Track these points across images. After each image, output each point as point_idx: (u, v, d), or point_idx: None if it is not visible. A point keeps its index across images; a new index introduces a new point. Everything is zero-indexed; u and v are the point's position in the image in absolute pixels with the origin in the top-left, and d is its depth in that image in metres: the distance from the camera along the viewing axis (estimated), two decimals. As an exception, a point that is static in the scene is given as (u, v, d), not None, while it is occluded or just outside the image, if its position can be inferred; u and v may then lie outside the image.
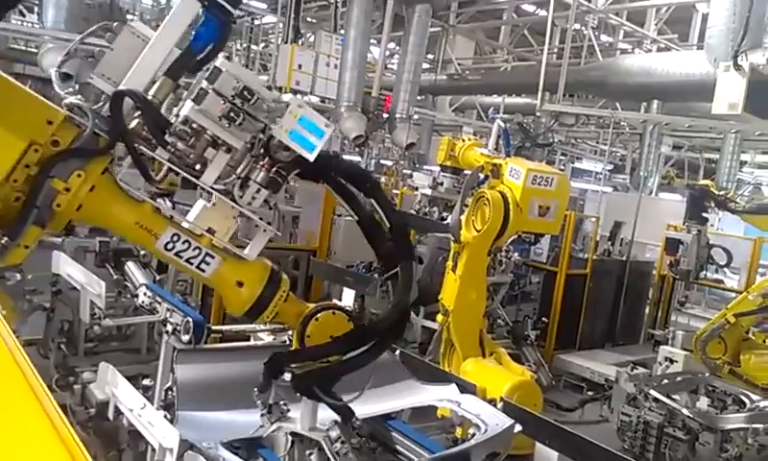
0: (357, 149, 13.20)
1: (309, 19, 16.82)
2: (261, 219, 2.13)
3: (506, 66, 17.08)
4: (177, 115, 2.04)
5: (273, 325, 4.26)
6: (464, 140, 6.92)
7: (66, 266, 4.59)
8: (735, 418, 5.81)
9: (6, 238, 1.83)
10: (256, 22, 15.39)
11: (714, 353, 7.01)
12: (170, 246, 2.08)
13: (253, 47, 15.13)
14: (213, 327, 4.07)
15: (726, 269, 9.45)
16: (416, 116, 12.63)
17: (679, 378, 6.62)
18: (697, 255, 8.14)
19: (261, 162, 2.09)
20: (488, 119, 16.29)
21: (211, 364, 3.49)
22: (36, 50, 12.30)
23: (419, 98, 13.20)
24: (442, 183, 7.46)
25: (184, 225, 2.08)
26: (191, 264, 2.11)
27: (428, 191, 7.61)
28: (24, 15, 13.08)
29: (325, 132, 2.07)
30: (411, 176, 12.19)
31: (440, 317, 6.26)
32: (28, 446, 0.72)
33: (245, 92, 1.96)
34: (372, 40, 11.53)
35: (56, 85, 2.11)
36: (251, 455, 3.21)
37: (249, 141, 2.03)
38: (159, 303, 4.03)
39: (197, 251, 2.10)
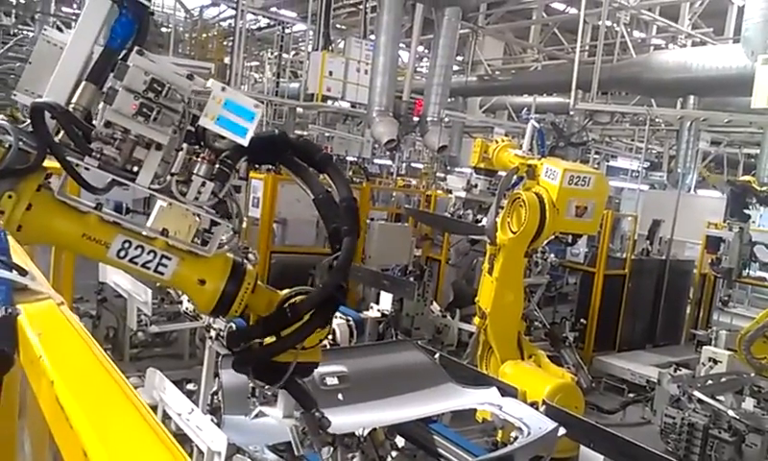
0: (389, 153, 13.25)
1: (339, 26, 16.96)
2: (217, 214, 2.06)
3: (536, 66, 16.95)
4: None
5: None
6: (497, 142, 6.88)
7: (113, 274, 4.72)
8: (783, 419, 5.67)
9: None
10: (287, 31, 15.58)
11: (760, 353, 6.83)
12: (122, 253, 2.01)
13: (284, 55, 15.31)
14: (255, 333, 4.15)
15: (770, 266, 9.22)
16: (446, 119, 12.62)
17: (723, 379, 6.49)
18: (739, 253, 7.96)
19: (202, 155, 2.02)
20: (519, 119, 16.19)
21: (255, 369, 3.54)
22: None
23: (449, 100, 13.19)
24: (476, 186, 7.42)
25: (135, 229, 2.04)
26: (148, 269, 2.03)
27: (462, 194, 7.57)
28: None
29: (256, 113, 2.00)
30: (444, 178, 12.18)
31: (477, 319, 6.24)
32: (134, 446, 0.76)
33: (154, 85, 1.89)
34: (401, 45, 11.58)
35: None
36: (295, 458, 3.27)
37: (174, 135, 1.95)
38: (203, 310, 4.12)
39: (152, 254, 2.02)
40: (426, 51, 17.08)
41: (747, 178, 8.59)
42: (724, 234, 8.14)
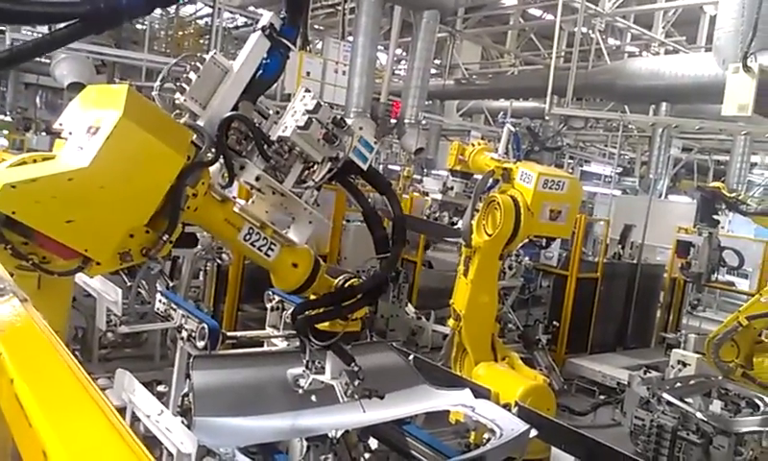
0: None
1: (317, 26, 16.90)
2: (312, 213, 2.62)
3: (513, 70, 17.09)
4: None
5: (286, 331, 4.31)
6: (473, 145, 6.92)
7: (82, 274, 4.62)
8: (749, 421, 5.78)
9: (166, 235, 2.24)
10: (264, 30, 15.45)
11: (727, 356, 6.96)
12: (248, 237, 2.54)
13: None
14: (228, 333, 4.11)
15: (738, 271, 9.40)
16: (424, 121, 12.66)
17: (692, 382, 6.59)
18: (708, 258, 8.08)
19: (317, 169, 2.61)
20: (495, 123, 16.31)
21: (226, 370, 3.50)
22: (48, 60, 12.44)
23: (426, 103, 13.23)
24: (452, 188, 7.45)
25: (254, 219, 2.56)
26: (261, 251, 2.57)
27: (438, 196, 7.61)
28: (35, 26, 13.20)
29: (374, 147, 2.69)
30: (421, 181, 12.20)
31: (451, 321, 6.25)
32: (96, 446, 0.74)
33: (341, 121, 2.56)
34: (379, 47, 11.58)
35: (157, 98, 2.52)
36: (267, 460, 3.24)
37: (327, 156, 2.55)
38: (174, 310, 4.07)
39: (265, 240, 2.56)
40: (404, 53, 17.12)
41: (716, 184, 8.73)
42: (694, 239, 8.27)
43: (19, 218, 1.94)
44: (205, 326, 3.74)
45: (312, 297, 2.83)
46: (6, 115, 16.80)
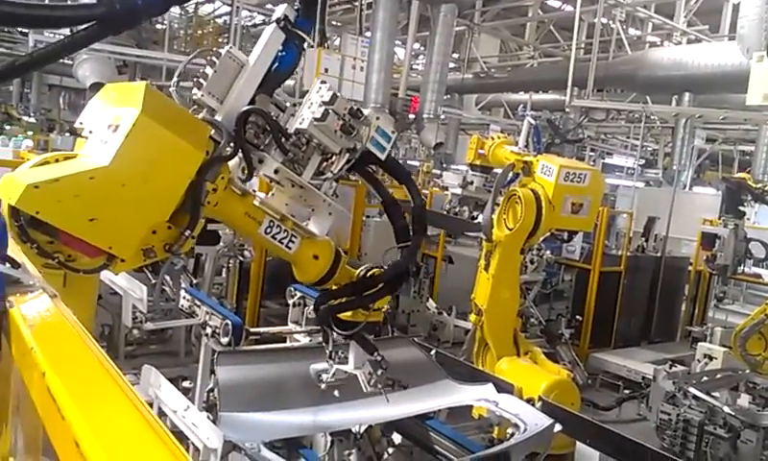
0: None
1: (334, 23, 16.90)
2: (331, 204, 2.65)
3: (532, 63, 16.92)
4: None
5: (308, 326, 4.33)
6: (493, 138, 6.88)
7: (107, 271, 4.69)
8: (779, 415, 5.68)
9: (188, 231, 2.27)
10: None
11: (754, 350, 6.84)
12: (268, 230, 2.55)
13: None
14: (251, 330, 4.14)
15: (765, 263, 9.23)
16: (443, 116, 12.60)
17: (719, 376, 6.49)
18: (734, 250, 7.95)
19: (335, 160, 2.62)
20: (515, 116, 16.19)
21: (251, 366, 3.53)
22: (70, 61, 12.62)
23: (445, 97, 13.16)
24: (471, 183, 7.41)
25: (274, 211, 2.58)
26: (282, 243, 2.59)
27: (458, 190, 7.57)
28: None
29: (392, 137, 2.68)
30: (440, 176, 12.16)
31: (473, 316, 6.23)
32: (127, 437, 0.75)
33: (357, 111, 2.54)
34: (397, 41, 11.53)
35: (174, 94, 2.54)
36: (292, 456, 3.26)
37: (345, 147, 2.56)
38: (199, 307, 4.11)
39: (285, 233, 2.58)
40: (422, 48, 17.06)
41: (742, 175, 8.58)
42: (719, 231, 8.13)
43: (43, 217, 1.97)
44: (229, 322, 3.77)
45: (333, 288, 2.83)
46: (30, 116, 17.08)
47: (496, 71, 16.66)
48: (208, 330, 3.92)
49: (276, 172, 2.52)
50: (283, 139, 2.51)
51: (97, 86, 12.16)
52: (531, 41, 16.83)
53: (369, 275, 2.78)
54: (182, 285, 4.25)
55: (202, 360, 4.03)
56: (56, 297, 1.21)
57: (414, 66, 16.74)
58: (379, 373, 2.88)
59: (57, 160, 2.18)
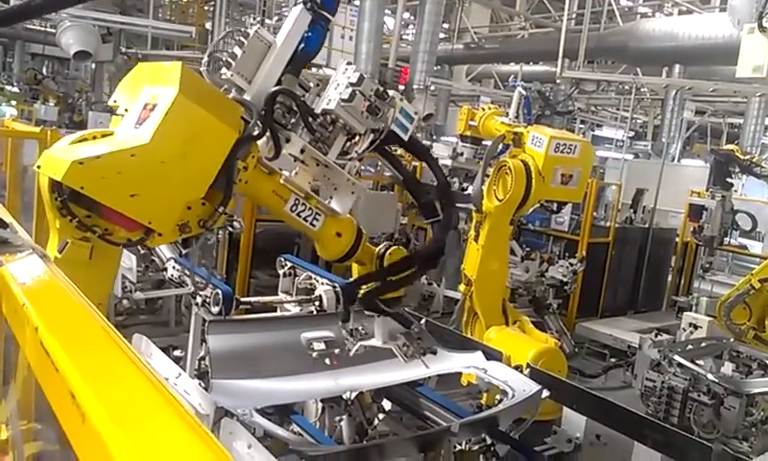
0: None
1: (323, -9, 16.64)
2: (354, 184, 2.74)
3: (523, 34, 16.82)
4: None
5: (298, 296, 4.34)
6: (483, 109, 6.85)
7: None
8: (761, 382, 5.79)
9: (222, 207, 2.34)
10: (270, -4, 15.25)
11: (739, 319, 6.94)
12: (294, 208, 2.62)
13: (267, 21, 15.02)
14: (242, 299, 4.14)
15: (751, 234, 9.34)
16: (432, 87, 12.53)
17: (703, 344, 6.58)
18: (721, 221, 8.04)
19: (360, 141, 2.67)
20: (505, 87, 16.12)
21: (241, 334, 3.54)
22: (53, 30, 12.38)
23: (435, 68, 13.07)
24: (462, 154, 7.41)
25: (298, 189, 2.62)
26: (307, 221, 2.66)
27: (448, 162, 7.57)
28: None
29: (414, 118, 2.71)
30: (430, 147, 12.10)
31: (462, 287, 6.27)
32: (122, 386, 0.75)
33: (383, 93, 2.58)
34: (386, 11, 11.40)
35: (205, 73, 2.57)
36: (284, 421, 3.29)
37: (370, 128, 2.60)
38: (188, 277, 4.10)
39: (310, 210, 2.65)
40: (412, 18, 16.88)
41: (730, 146, 8.64)
42: (706, 203, 8.20)
43: (87, 193, 2.05)
44: (220, 291, 3.78)
45: (355, 265, 2.93)
46: (13, 86, 16.78)
47: (487, 42, 16.55)
48: (199, 300, 3.92)
49: (302, 151, 2.57)
50: (310, 119, 2.55)
51: (81, 55, 11.96)
52: (522, 12, 16.71)
53: (389, 252, 2.84)
54: (170, 255, 4.25)
55: (192, 329, 4.04)
56: (45, 257, 1.21)
57: (404, 36, 16.56)
58: (416, 344, 2.96)
59: (94, 137, 2.23)
